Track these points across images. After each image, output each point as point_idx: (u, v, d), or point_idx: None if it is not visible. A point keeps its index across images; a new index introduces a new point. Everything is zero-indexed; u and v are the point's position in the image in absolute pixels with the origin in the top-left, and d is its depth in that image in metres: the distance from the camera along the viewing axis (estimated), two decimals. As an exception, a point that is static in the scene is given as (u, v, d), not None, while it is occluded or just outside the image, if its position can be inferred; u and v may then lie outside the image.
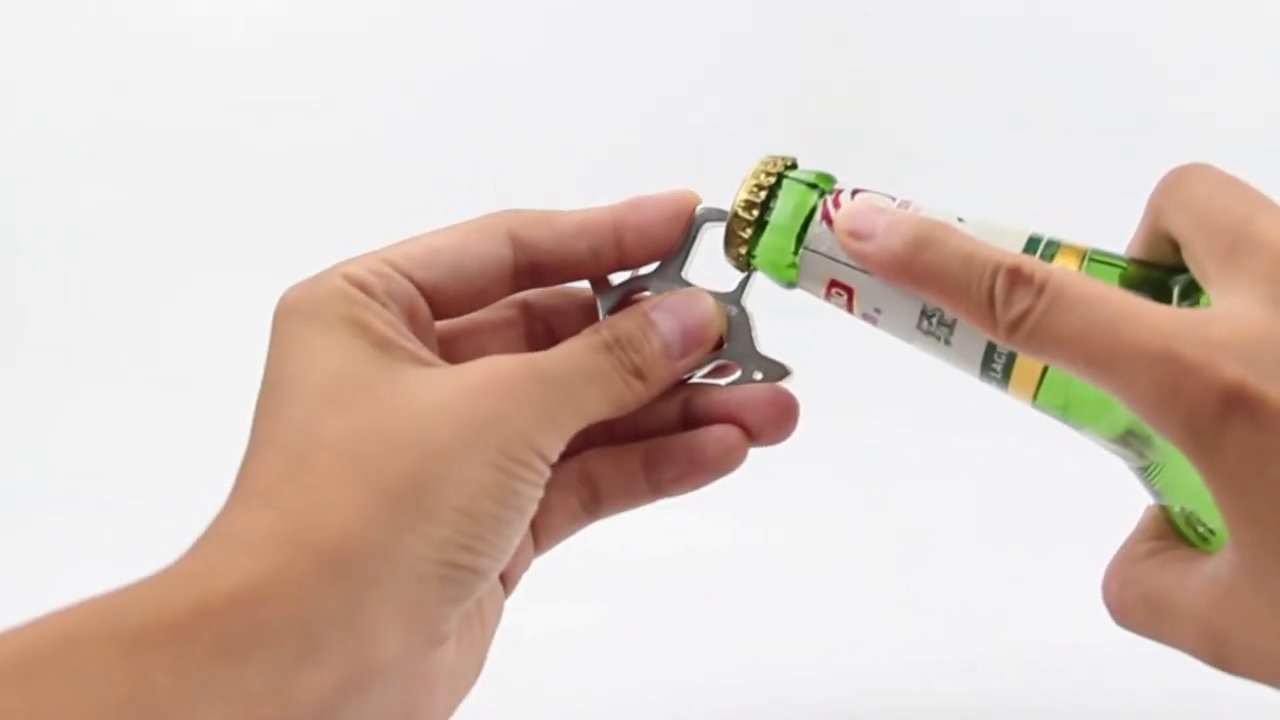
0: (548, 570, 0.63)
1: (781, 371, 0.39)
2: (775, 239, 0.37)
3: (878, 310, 0.37)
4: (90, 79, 0.86)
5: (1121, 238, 0.37)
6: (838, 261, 0.36)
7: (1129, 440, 0.35)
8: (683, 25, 0.84)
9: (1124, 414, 0.34)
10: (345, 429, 0.31)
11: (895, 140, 0.80)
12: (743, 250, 0.38)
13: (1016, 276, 0.31)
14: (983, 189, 0.74)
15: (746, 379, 0.39)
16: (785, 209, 0.37)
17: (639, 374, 0.36)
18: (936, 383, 0.53)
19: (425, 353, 0.34)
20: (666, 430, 0.39)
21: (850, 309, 0.37)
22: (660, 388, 0.37)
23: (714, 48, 0.84)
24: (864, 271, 0.36)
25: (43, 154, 0.86)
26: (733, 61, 0.84)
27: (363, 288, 0.34)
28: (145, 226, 0.83)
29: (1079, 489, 0.60)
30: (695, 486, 0.39)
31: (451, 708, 0.35)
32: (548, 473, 0.34)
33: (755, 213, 0.37)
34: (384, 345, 0.33)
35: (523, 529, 0.33)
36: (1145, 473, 0.36)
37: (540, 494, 0.33)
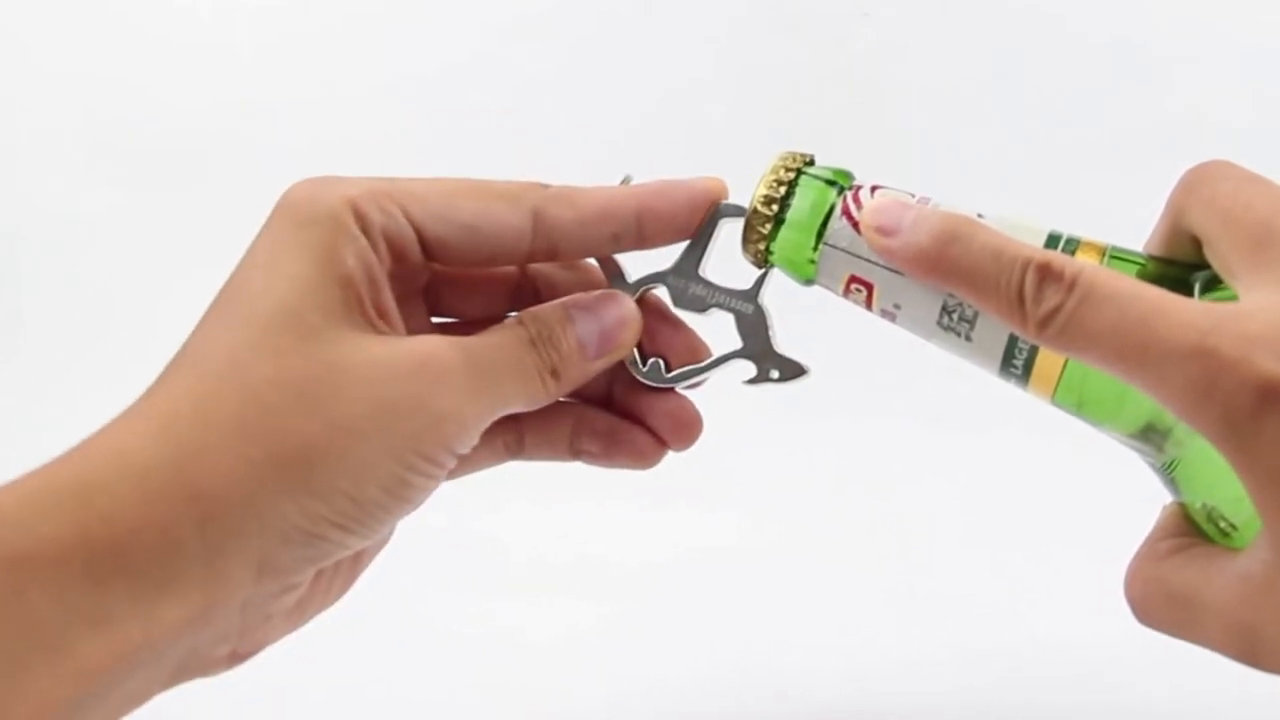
0: (550, 571, 0.63)
1: (798, 370, 0.38)
2: (794, 235, 0.37)
3: (897, 306, 0.36)
4: (91, 78, 0.86)
5: (1120, 238, 0.37)
6: (857, 257, 0.36)
7: (1148, 436, 0.35)
8: (683, 23, 0.84)
9: (1142, 410, 0.34)
10: (268, 374, 0.32)
11: (894, 139, 0.80)
12: (761, 247, 0.37)
13: (1046, 272, 0.31)
14: (982, 188, 0.74)
15: (763, 378, 0.38)
16: (804, 205, 0.37)
17: (555, 373, 0.36)
18: (938, 380, 0.53)
19: (385, 314, 0.34)
20: (594, 393, 0.40)
21: (869, 305, 0.37)
22: (572, 386, 0.37)
23: (713, 45, 0.84)
24: (884, 267, 0.35)
25: (43, 154, 0.86)
26: (733, 59, 0.83)
27: (360, 220, 0.34)
28: (145, 226, 0.83)
29: (1083, 486, 0.60)
30: (607, 467, 0.40)
31: (291, 630, 0.35)
32: (452, 465, 0.34)
33: (774, 209, 0.37)
34: (346, 292, 0.33)
35: (404, 515, 0.34)
36: (1164, 469, 0.35)
37: (437, 486, 0.34)
